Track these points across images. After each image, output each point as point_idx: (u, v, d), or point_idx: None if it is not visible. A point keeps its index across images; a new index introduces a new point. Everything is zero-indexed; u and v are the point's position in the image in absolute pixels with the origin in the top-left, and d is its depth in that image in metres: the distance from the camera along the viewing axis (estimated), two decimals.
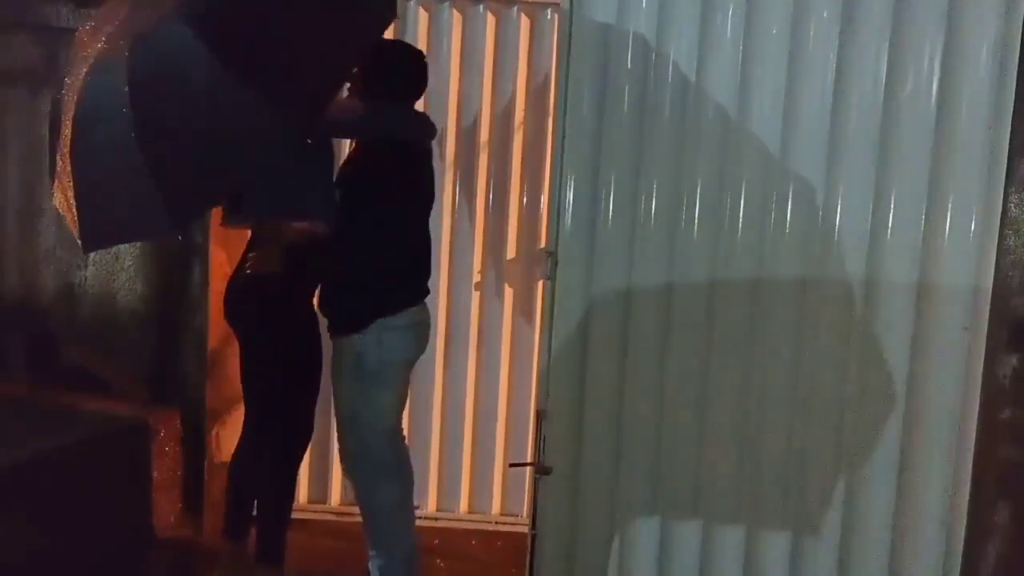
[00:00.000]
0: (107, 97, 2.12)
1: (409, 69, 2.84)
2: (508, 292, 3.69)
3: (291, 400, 2.86)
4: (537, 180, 3.59)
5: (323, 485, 3.71)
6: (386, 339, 2.73)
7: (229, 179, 2.22)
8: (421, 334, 2.87)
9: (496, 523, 3.69)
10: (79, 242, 2.22)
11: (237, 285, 2.88)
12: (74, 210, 2.20)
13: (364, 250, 2.74)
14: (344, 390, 2.81)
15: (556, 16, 3.36)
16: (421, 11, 3.53)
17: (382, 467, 2.83)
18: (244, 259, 2.87)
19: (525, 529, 3.05)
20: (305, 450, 3.02)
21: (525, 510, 3.57)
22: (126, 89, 2.08)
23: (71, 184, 2.20)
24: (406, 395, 2.94)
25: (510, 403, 3.70)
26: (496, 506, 3.73)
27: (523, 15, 3.55)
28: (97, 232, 2.24)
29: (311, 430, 2.97)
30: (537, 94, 3.57)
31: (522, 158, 3.61)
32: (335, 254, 2.75)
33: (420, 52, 2.96)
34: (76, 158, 2.18)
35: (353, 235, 2.71)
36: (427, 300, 2.90)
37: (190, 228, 3.13)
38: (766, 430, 2.85)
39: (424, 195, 2.88)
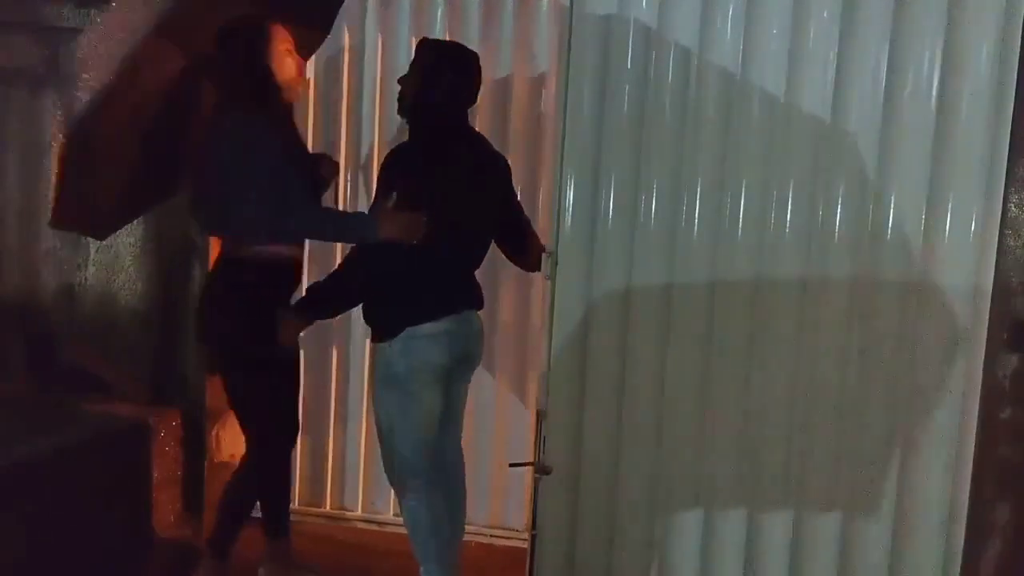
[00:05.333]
0: None
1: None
2: (508, 293, 3.68)
3: (267, 400, 2.88)
4: (537, 180, 3.58)
5: (319, 489, 3.71)
6: (413, 347, 2.69)
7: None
8: (452, 342, 2.75)
9: (493, 531, 3.67)
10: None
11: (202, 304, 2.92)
12: None
13: (391, 260, 2.70)
14: (377, 398, 2.79)
15: (551, 9, 3.37)
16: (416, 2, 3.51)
17: (412, 478, 2.78)
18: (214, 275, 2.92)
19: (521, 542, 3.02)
20: (292, 444, 3.02)
21: (525, 512, 3.56)
22: None
23: None
24: (447, 406, 2.83)
25: (510, 403, 3.69)
26: (496, 506, 3.72)
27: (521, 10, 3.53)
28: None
29: (296, 425, 2.98)
30: (536, 93, 3.56)
31: (522, 158, 3.61)
32: (371, 265, 2.73)
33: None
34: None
35: (381, 246, 2.68)
36: None
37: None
38: (766, 430, 2.85)
39: (458, 208, 2.73)
